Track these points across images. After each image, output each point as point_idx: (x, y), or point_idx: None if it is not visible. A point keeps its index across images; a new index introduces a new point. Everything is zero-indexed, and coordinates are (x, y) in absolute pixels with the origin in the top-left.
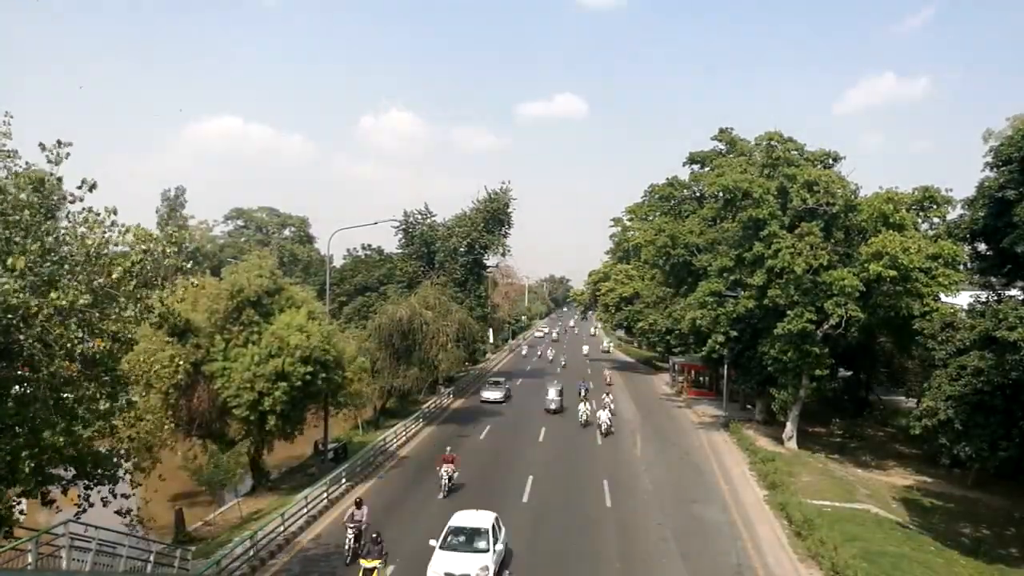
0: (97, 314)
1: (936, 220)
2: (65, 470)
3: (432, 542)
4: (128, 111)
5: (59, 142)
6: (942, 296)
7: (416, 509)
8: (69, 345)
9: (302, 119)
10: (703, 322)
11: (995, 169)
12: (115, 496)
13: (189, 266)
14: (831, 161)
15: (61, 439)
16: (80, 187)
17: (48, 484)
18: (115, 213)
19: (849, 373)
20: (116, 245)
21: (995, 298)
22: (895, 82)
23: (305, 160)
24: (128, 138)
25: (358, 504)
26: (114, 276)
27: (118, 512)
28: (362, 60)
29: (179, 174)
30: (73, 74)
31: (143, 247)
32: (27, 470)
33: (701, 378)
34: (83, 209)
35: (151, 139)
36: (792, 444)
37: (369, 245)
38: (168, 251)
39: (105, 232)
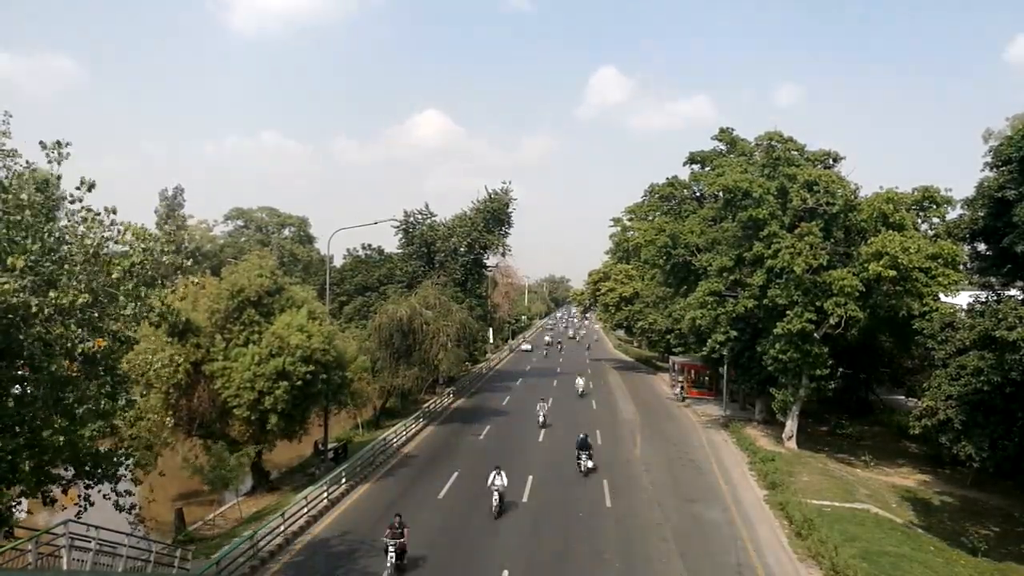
0: (96, 313)
1: (936, 220)
2: (65, 470)
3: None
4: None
5: (59, 142)
6: (942, 296)
7: (417, 508)
8: (69, 345)
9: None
10: (703, 322)
11: (995, 169)
12: (117, 495)
13: (189, 263)
14: (831, 161)
15: (60, 439)
16: (79, 187)
17: (49, 484)
18: (115, 212)
19: (849, 373)
20: (116, 242)
21: (995, 298)
22: None
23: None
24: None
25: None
26: (114, 276)
27: (119, 509)
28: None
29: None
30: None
31: (143, 246)
32: (27, 469)
33: (701, 378)
34: (82, 208)
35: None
36: (792, 444)
37: (369, 245)
38: (166, 249)
39: (104, 231)
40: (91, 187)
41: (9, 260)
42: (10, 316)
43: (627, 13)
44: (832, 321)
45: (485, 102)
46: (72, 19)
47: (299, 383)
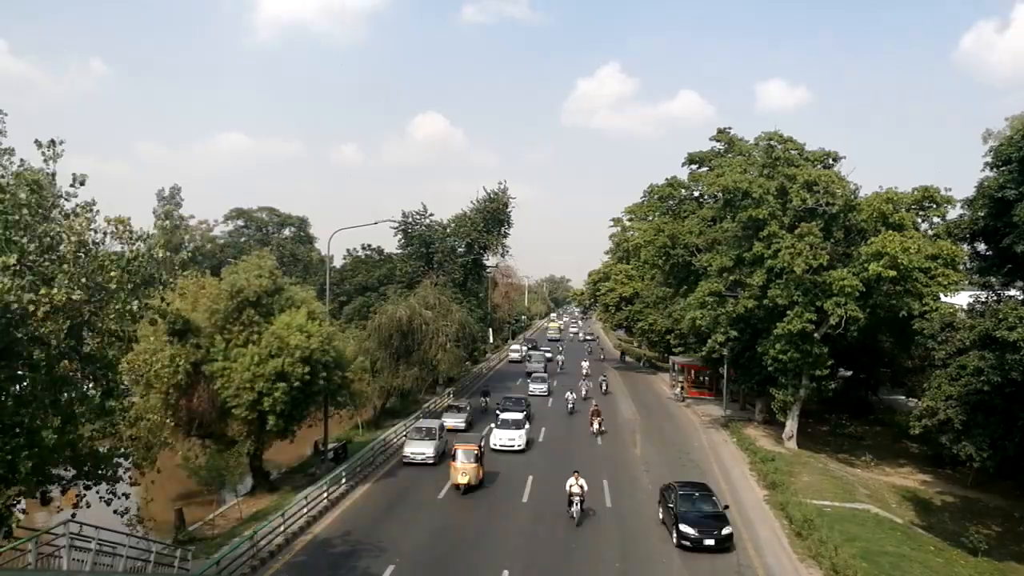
0: (90, 312)
1: (936, 220)
2: (65, 470)
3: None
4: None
5: (53, 141)
6: (942, 296)
7: (416, 508)
8: (64, 345)
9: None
10: (703, 322)
11: (995, 169)
12: (116, 496)
13: (188, 257)
14: (831, 161)
15: (56, 439)
16: (73, 184)
17: (48, 484)
18: (93, 208)
19: (850, 373)
20: (111, 236)
21: (995, 298)
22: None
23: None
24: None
25: None
26: (112, 274)
27: (117, 509)
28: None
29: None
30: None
31: (141, 244)
32: (26, 470)
33: (701, 378)
34: (76, 205)
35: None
36: (792, 444)
37: (369, 245)
38: (161, 244)
39: (91, 225)
40: (82, 182)
41: (1, 259)
42: (7, 315)
43: (627, 13)
44: (832, 321)
45: (484, 103)
46: (77, 21)
47: (298, 384)
